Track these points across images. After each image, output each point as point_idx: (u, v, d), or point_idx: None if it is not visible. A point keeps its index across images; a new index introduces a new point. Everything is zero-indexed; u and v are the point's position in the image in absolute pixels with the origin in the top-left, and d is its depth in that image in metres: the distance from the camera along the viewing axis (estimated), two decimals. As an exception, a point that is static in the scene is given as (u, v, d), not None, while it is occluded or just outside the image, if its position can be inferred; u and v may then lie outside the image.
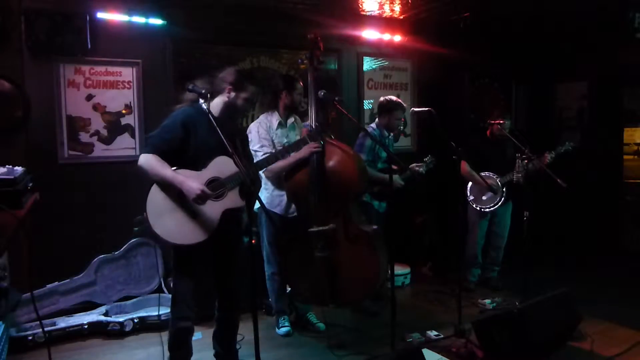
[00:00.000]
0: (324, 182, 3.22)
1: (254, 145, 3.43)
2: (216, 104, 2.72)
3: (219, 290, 2.94)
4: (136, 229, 2.67)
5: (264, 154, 3.39)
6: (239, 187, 2.63)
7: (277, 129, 3.49)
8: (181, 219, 2.55)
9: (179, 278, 2.71)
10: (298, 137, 3.56)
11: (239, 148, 2.77)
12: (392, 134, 4.15)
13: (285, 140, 3.50)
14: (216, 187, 2.59)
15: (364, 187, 3.45)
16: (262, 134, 3.41)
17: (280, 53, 4.83)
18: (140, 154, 2.57)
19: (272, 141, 3.44)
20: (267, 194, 3.53)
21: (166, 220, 2.54)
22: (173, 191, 2.54)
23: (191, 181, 2.50)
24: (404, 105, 4.06)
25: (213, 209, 2.58)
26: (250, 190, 2.37)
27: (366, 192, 3.78)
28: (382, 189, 3.88)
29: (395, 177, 3.80)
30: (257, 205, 3.49)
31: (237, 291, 2.92)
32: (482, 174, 4.18)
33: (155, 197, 2.55)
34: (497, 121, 4.33)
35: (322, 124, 2.98)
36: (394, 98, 4.03)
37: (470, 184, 4.39)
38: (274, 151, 3.43)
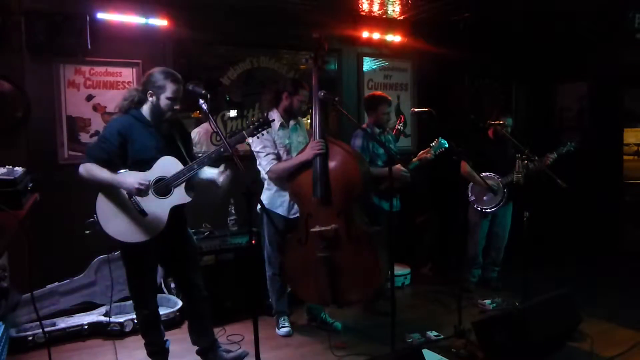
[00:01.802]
0: (327, 183, 3.22)
1: (255, 147, 3.43)
2: (145, 111, 2.78)
3: (180, 285, 3.10)
4: (87, 231, 2.74)
5: (266, 155, 3.40)
6: (184, 184, 2.73)
7: (278, 129, 3.47)
8: (131, 219, 2.68)
9: (130, 272, 2.88)
10: (301, 139, 3.58)
11: (182, 148, 2.84)
12: (388, 131, 4.08)
13: (287, 142, 3.49)
14: (162, 185, 2.70)
15: (368, 188, 3.44)
16: (264, 135, 3.39)
17: (280, 53, 4.83)
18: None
19: (274, 142, 3.44)
20: (269, 193, 3.53)
21: (117, 221, 2.67)
22: (118, 193, 2.66)
23: (128, 178, 2.61)
24: (389, 98, 3.97)
25: (161, 207, 2.69)
26: (250, 191, 2.37)
27: (370, 193, 3.74)
28: (389, 186, 3.83)
29: (404, 171, 3.68)
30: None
31: (198, 284, 3.00)
32: (483, 174, 4.17)
33: (104, 200, 2.69)
34: (499, 121, 4.32)
35: (263, 120, 2.84)
36: (377, 93, 4.01)
37: (471, 184, 4.38)
38: (276, 152, 3.44)
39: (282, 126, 3.50)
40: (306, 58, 3.49)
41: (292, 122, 3.57)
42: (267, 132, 2.96)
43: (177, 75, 2.74)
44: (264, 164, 3.43)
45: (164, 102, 2.71)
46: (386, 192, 3.84)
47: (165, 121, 2.80)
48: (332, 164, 3.25)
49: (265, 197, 3.53)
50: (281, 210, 3.52)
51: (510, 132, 4.33)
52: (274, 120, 3.00)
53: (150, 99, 2.73)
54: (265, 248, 3.61)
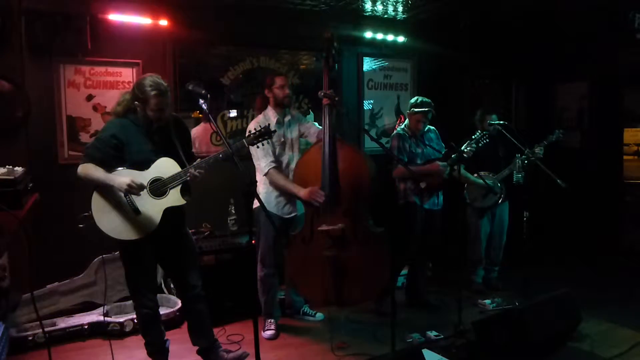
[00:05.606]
0: (336, 183, 3.22)
1: (254, 150, 3.44)
2: (139, 114, 2.79)
3: (177, 285, 3.11)
4: (80, 225, 2.77)
5: (265, 156, 3.43)
6: (180, 187, 2.78)
7: (275, 125, 3.49)
8: (124, 217, 2.72)
9: (129, 272, 2.91)
10: (295, 134, 3.61)
11: (179, 148, 2.85)
12: (429, 131, 4.05)
13: (282, 139, 3.53)
14: (158, 186, 2.74)
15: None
16: (264, 145, 3.39)
17: (280, 53, 4.82)
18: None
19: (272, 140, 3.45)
20: (264, 192, 3.52)
21: (110, 218, 2.71)
22: (114, 191, 2.69)
23: (120, 177, 2.64)
24: (426, 102, 3.90)
25: (155, 207, 2.74)
26: (249, 190, 2.37)
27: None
28: (431, 182, 3.80)
29: (442, 164, 3.77)
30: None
31: (196, 284, 3.02)
32: (476, 174, 4.17)
33: (99, 197, 2.73)
34: (486, 121, 4.33)
35: (265, 130, 2.86)
36: (419, 99, 3.93)
37: (466, 185, 4.36)
38: (274, 154, 3.46)
39: (277, 122, 3.53)
40: (318, 57, 3.50)
41: (287, 119, 3.60)
42: (268, 143, 3.00)
43: (162, 87, 2.68)
44: (263, 165, 3.45)
45: (149, 113, 2.72)
46: (428, 190, 3.87)
47: (162, 126, 2.81)
48: (341, 164, 3.26)
49: (261, 195, 3.52)
50: (275, 209, 3.52)
51: (509, 130, 4.28)
52: (275, 131, 3.05)
53: (138, 108, 2.75)
54: (260, 247, 3.59)
